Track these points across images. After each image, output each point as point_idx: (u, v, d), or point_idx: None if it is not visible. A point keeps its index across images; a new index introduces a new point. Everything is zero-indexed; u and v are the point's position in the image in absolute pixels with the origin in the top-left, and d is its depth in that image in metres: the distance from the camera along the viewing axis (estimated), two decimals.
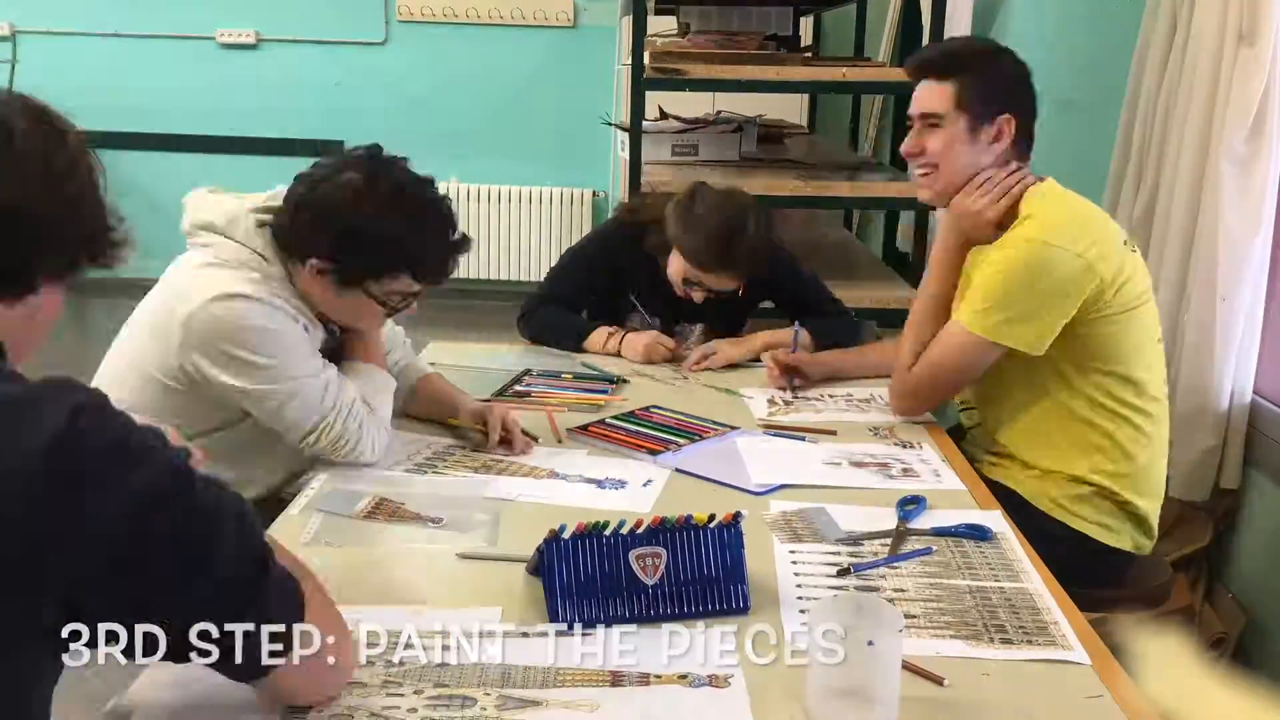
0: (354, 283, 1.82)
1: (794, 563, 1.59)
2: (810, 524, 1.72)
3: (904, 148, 2.15)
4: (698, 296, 2.59)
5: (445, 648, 1.32)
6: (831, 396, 2.39)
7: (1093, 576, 1.90)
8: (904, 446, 2.10)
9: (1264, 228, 2.39)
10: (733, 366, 2.57)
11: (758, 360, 2.57)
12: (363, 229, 1.77)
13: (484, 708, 1.21)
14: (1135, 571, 2.12)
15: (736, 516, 1.46)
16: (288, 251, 1.84)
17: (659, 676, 1.28)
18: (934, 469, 1.98)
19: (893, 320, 3.42)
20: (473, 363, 2.56)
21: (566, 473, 1.91)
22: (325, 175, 1.81)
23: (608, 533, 1.42)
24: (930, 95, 2.09)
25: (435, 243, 1.83)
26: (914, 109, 2.12)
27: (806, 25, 5.40)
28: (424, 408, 2.15)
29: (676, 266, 2.57)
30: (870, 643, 1.18)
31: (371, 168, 1.81)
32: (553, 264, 2.93)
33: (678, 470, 1.94)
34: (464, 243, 1.87)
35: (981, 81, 2.07)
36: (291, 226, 1.82)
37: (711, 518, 1.45)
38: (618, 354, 2.60)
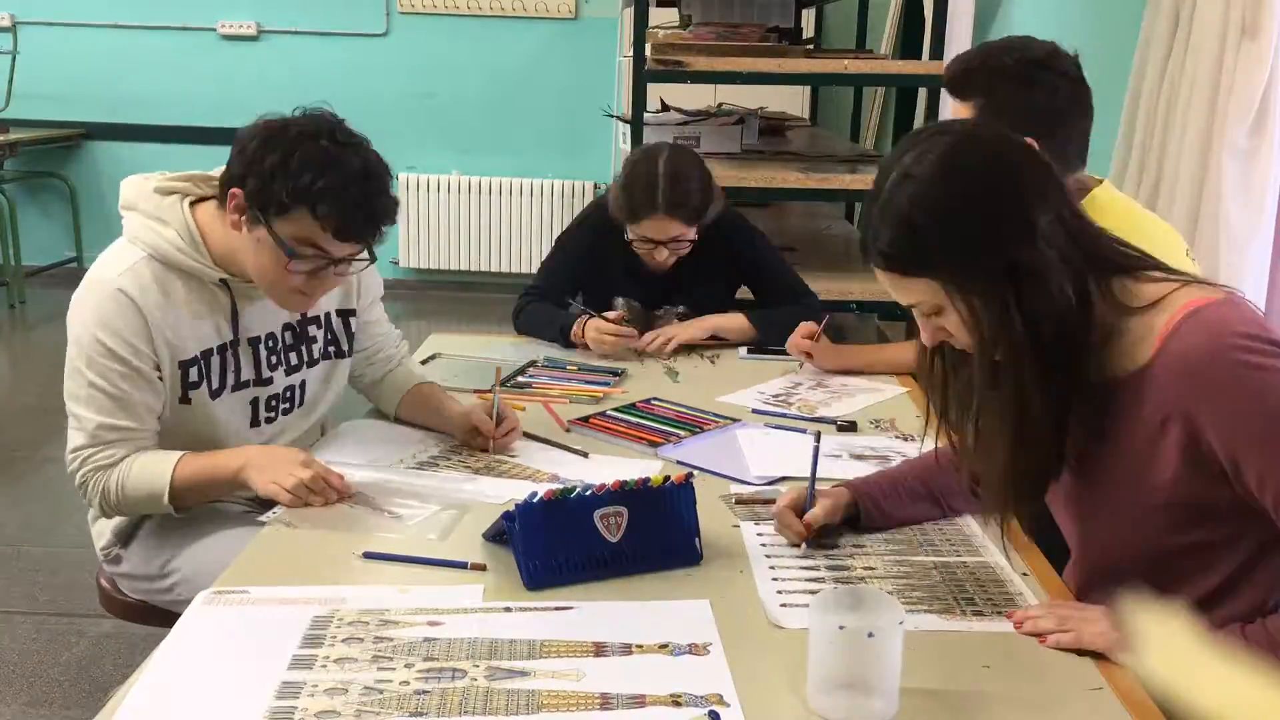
0: (260, 216, 1.73)
1: (761, 539, 1.64)
2: (768, 506, 1.75)
3: None
4: (662, 258, 2.62)
5: (431, 624, 1.36)
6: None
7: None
8: (905, 439, 2.10)
9: (1266, 221, 2.39)
10: (689, 350, 2.63)
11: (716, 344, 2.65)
12: (268, 156, 1.71)
13: (474, 679, 1.25)
14: None
15: (688, 477, 1.57)
16: (221, 195, 1.80)
17: (640, 646, 1.32)
18: None
19: (893, 314, 3.43)
20: (475, 353, 2.56)
21: (569, 477, 1.87)
22: (267, 117, 1.79)
23: (573, 496, 1.50)
24: None
25: (345, 188, 1.70)
26: None
27: (808, 18, 5.40)
28: (409, 412, 2.13)
29: (630, 234, 2.63)
30: (870, 634, 1.18)
31: (303, 114, 1.77)
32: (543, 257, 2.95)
33: (678, 463, 1.94)
34: (388, 205, 1.76)
35: None
36: (228, 163, 1.79)
37: (666, 479, 1.55)
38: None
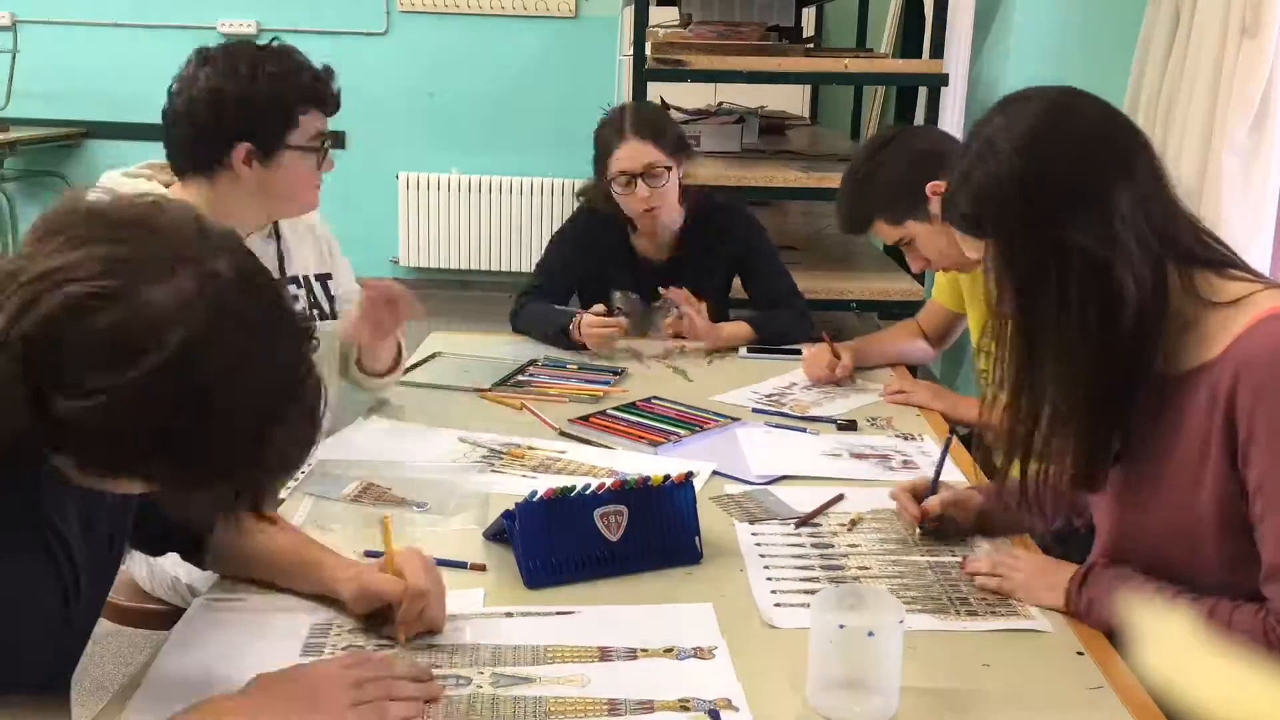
0: (278, 144, 1.85)
1: (756, 539, 1.64)
2: (760, 504, 1.77)
3: None
4: (644, 194, 2.58)
5: (431, 630, 1.34)
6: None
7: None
8: (905, 438, 2.10)
9: (1267, 220, 2.39)
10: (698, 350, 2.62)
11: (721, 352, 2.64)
12: (252, 89, 1.81)
13: (480, 686, 1.24)
14: None
15: (688, 476, 1.57)
16: (198, 167, 1.87)
17: (645, 650, 1.32)
18: (934, 461, 1.98)
19: (894, 312, 3.43)
20: (475, 352, 2.56)
21: (626, 471, 1.85)
22: (188, 81, 1.86)
23: (573, 494, 1.50)
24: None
25: (307, 71, 1.88)
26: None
27: (808, 16, 5.39)
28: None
29: (609, 175, 2.61)
30: (870, 633, 1.18)
31: (214, 51, 1.86)
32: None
33: (714, 472, 1.90)
34: (327, 70, 1.92)
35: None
36: (193, 138, 1.85)
37: (666, 477, 1.55)
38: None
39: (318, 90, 1.87)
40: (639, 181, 2.58)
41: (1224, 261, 1.36)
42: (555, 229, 2.93)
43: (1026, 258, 1.32)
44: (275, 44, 1.88)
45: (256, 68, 1.81)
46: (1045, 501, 1.44)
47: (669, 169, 2.60)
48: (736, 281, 2.86)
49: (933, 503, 1.63)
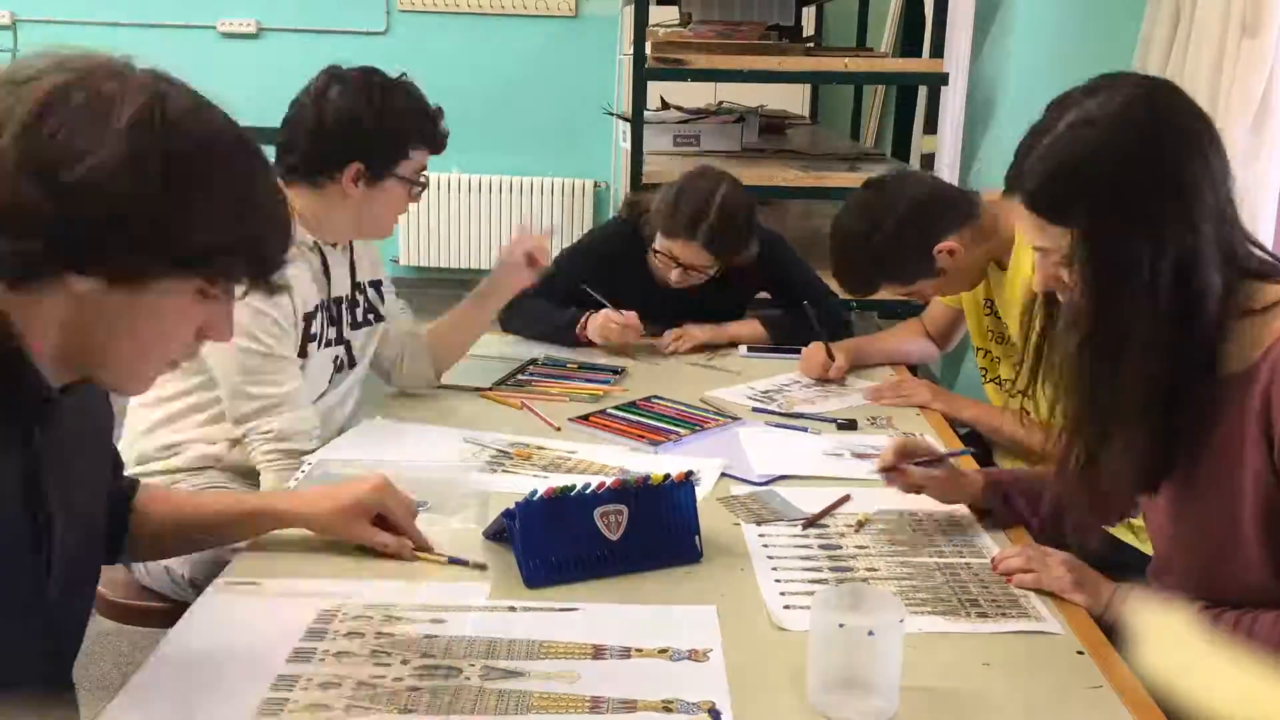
0: (387, 172, 1.97)
1: (763, 540, 1.64)
2: (766, 505, 1.76)
3: None
4: (675, 277, 2.60)
5: (434, 621, 1.35)
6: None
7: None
8: (906, 438, 2.09)
9: (1267, 220, 2.38)
10: (702, 349, 2.63)
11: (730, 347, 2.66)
12: (380, 117, 1.93)
13: (468, 678, 1.25)
14: None
15: (688, 475, 1.57)
16: (308, 174, 1.95)
17: (640, 650, 1.32)
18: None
19: (893, 312, 3.43)
20: (475, 351, 2.56)
21: (636, 470, 1.83)
22: (318, 94, 1.95)
23: (573, 494, 1.50)
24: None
25: (427, 109, 2.02)
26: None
27: (808, 15, 5.39)
28: (446, 338, 2.29)
29: (657, 243, 2.61)
30: (871, 633, 1.18)
31: (347, 73, 1.96)
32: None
33: (722, 473, 1.90)
34: (438, 111, 2.04)
35: None
36: (312, 149, 1.94)
37: (666, 476, 1.55)
38: (589, 342, 2.60)
39: (432, 131, 2.01)
40: (679, 268, 2.59)
41: (1263, 268, 1.34)
42: (554, 228, 2.90)
43: (1121, 246, 1.27)
44: (402, 77, 1.99)
45: (387, 98, 1.94)
46: (1106, 504, 1.45)
47: (712, 270, 2.60)
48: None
49: (915, 473, 1.65)
